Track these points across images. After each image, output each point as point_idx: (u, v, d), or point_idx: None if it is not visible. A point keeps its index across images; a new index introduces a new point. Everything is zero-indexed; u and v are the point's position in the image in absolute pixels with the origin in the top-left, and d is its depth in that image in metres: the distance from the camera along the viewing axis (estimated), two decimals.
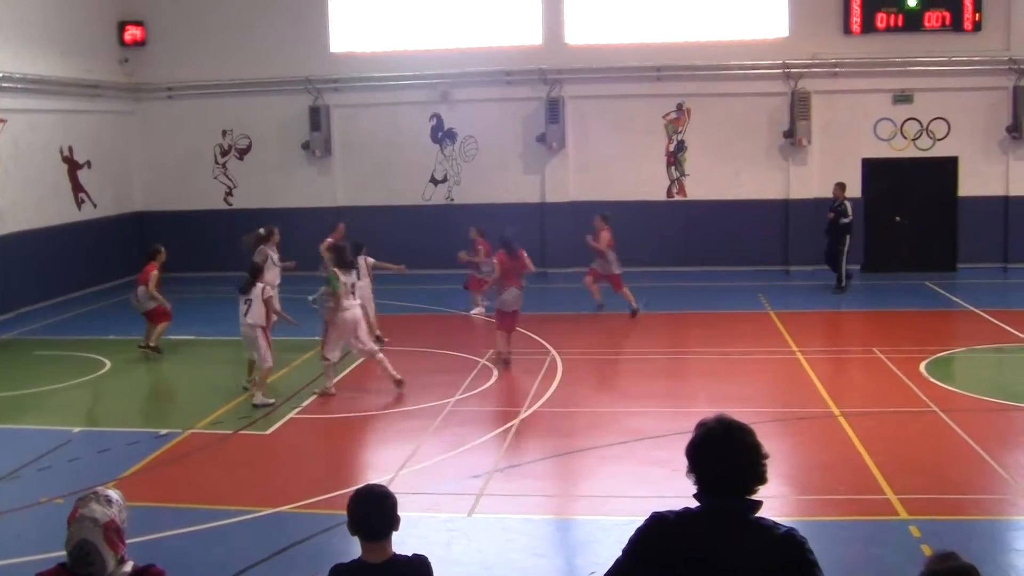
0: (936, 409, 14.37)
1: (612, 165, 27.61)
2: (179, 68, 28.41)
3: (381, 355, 16.06)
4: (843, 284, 24.22)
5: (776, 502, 10.44)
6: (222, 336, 19.99)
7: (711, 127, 27.42)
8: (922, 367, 16.75)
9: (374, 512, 5.27)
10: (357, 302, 16.13)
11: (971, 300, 22.71)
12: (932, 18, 26.51)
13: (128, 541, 4.79)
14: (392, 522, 5.29)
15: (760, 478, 4.42)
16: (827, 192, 26.84)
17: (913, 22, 26.57)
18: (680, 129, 27.68)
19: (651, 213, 27.09)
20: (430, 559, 5.38)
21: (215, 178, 29.02)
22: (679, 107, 27.56)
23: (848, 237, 24.27)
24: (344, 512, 5.29)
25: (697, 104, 27.45)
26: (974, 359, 18.21)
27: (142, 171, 29.13)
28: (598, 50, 27.35)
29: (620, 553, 4.53)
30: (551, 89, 27.33)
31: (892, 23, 26.66)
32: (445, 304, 23.16)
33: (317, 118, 27.94)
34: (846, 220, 24.12)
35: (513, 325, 17.80)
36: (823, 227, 24.55)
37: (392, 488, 5.48)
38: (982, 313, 21.31)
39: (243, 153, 28.93)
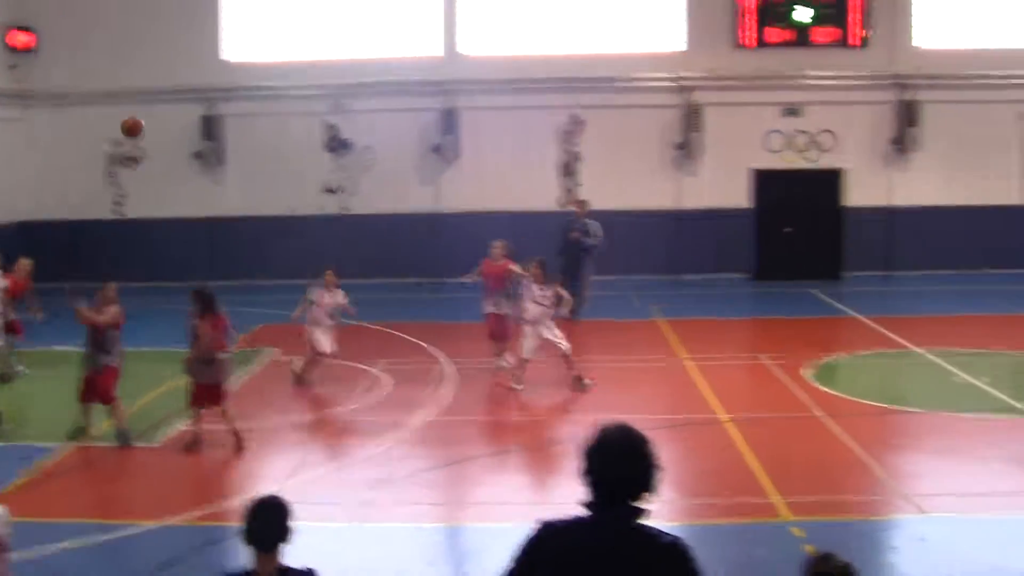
0: (820, 414, 14.70)
1: (507, 175, 27.74)
2: (69, 75, 27.91)
3: None
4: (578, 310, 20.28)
5: (663, 507, 10.61)
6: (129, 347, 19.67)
7: (605, 138, 27.68)
8: (807, 372, 17.13)
9: (268, 523, 5.31)
10: None
11: (855, 307, 23.26)
12: (821, 34, 27.18)
13: (11, 556, 4.75)
14: (284, 533, 5.33)
15: (651, 488, 4.51)
16: (719, 202, 27.48)
17: (803, 37, 27.20)
18: (574, 140, 27.89)
19: (545, 223, 27.29)
20: (319, 570, 5.41)
21: (105, 187, 28.49)
22: (574, 118, 27.77)
23: (590, 260, 22.45)
24: (233, 523, 5.29)
25: (591, 116, 27.68)
26: (857, 364, 18.66)
27: (29, 179, 28.47)
28: (494, 61, 27.50)
29: (509, 561, 4.60)
30: (447, 99, 27.39)
31: (783, 38, 27.22)
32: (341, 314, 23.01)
33: (210, 127, 27.69)
34: (592, 241, 22.39)
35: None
36: (560, 247, 22.52)
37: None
38: (865, 320, 21.84)
39: (135, 162, 28.41)
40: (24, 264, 18.37)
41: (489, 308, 17.83)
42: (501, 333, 17.76)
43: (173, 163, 28.10)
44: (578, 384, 16.33)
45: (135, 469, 13.23)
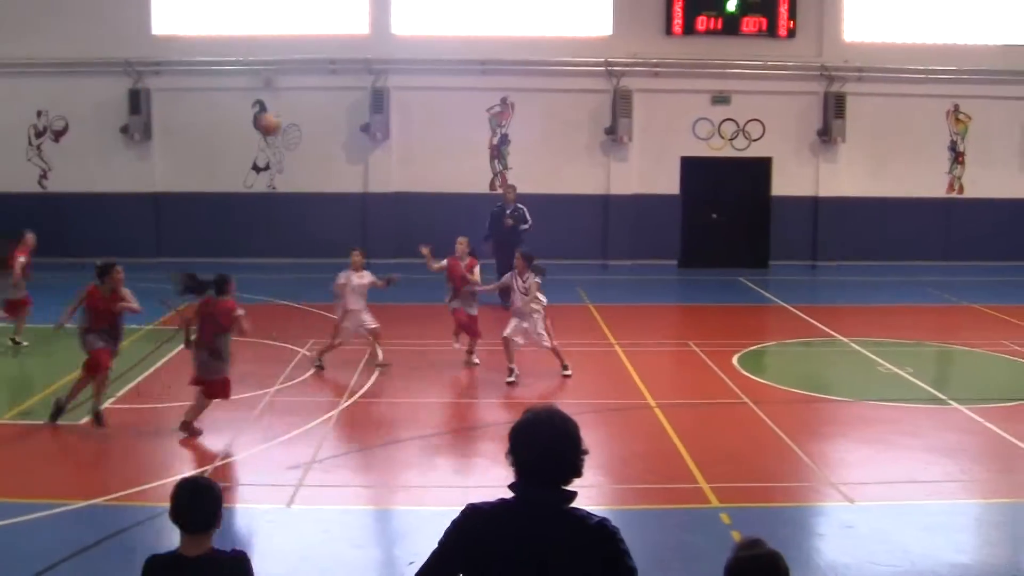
0: (747, 401, 14.85)
1: (435, 157, 27.66)
2: None
3: None
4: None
5: (592, 492, 10.69)
6: (35, 324, 19.31)
7: (534, 122, 27.70)
8: (735, 360, 17.30)
9: (196, 504, 5.24)
10: None
11: (781, 296, 23.55)
12: (750, 23, 27.37)
13: None
14: (213, 517, 5.28)
15: (575, 470, 4.50)
16: (648, 189, 27.55)
17: (732, 26, 27.39)
18: (504, 123, 27.90)
19: (474, 205, 27.24)
20: (248, 551, 5.37)
21: (29, 160, 27.98)
22: (503, 101, 27.78)
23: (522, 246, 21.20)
24: (162, 504, 5.22)
25: (521, 98, 27.70)
26: (783, 352, 18.90)
27: None
28: (424, 41, 27.36)
29: (436, 545, 4.58)
30: (376, 79, 27.22)
31: (712, 26, 27.42)
32: (266, 293, 22.82)
33: (137, 101, 27.23)
34: (525, 227, 22.18)
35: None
36: (490, 233, 22.49)
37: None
38: (791, 308, 22.12)
39: (59, 135, 27.98)
40: (30, 238, 18.45)
41: (455, 304, 17.07)
42: (471, 328, 17.11)
43: (98, 137, 27.65)
44: (563, 370, 16.30)
45: (61, 448, 12.98)
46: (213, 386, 13.24)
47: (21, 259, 18.01)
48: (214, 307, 13.15)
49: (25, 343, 18.05)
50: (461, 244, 17.27)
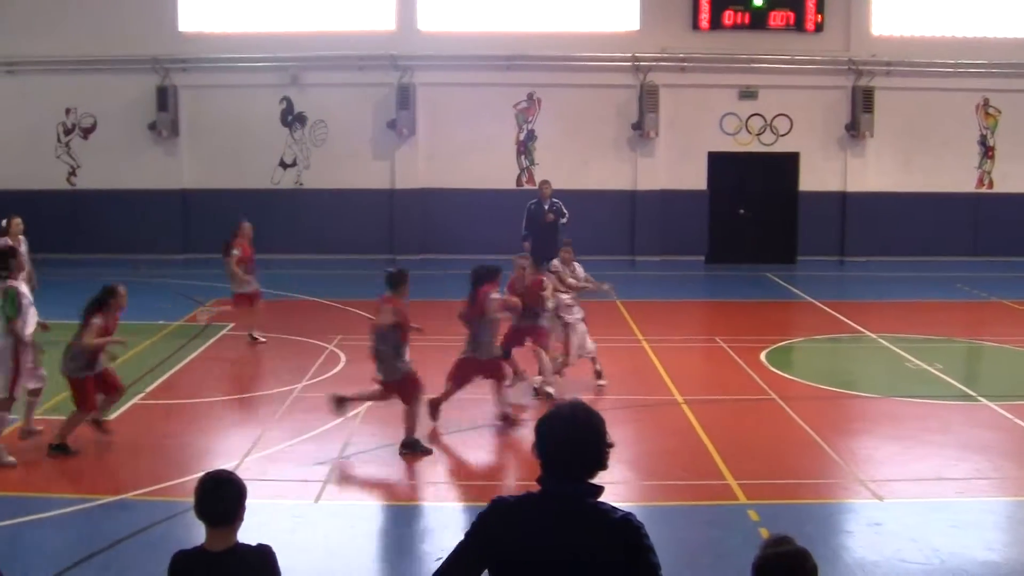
0: (775, 397, 14.79)
1: (462, 153, 27.69)
2: (21, 43, 27.38)
3: None
4: None
5: (620, 488, 10.68)
6: (62, 320, 19.40)
7: (561, 117, 27.67)
8: (762, 356, 17.24)
9: (217, 497, 5.26)
10: None
11: (809, 292, 23.46)
12: (777, 17, 27.27)
13: None
14: (235, 510, 5.28)
15: (600, 463, 4.51)
16: (675, 184, 27.49)
17: (759, 21, 27.31)
18: (530, 118, 27.89)
19: (500, 201, 27.22)
20: (275, 546, 5.36)
21: (58, 157, 28.16)
22: (530, 96, 27.77)
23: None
24: (188, 499, 5.22)
25: (547, 94, 27.67)
26: (811, 348, 18.82)
27: None
28: (450, 37, 27.38)
29: (462, 537, 4.60)
30: (402, 75, 27.24)
31: (739, 21, 27.34)
32: (292, 289, 22.90)
33: (165, 98, 27.36)
34: (564, 220, 22.03)
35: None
36: (530, 230, 22.16)
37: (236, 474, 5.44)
38: (820, 304, 22.02)
39: (88, 132, 28.14)
40: (247, 227, 18.48)
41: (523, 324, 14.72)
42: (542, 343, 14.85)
43: (127, 134, 27.79)
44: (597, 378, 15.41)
45: (89, 443, 13.01)
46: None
47: (236, 252, 17.93)
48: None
49: (263, 339, 18.14)
50: (524, 260, 14.95)
